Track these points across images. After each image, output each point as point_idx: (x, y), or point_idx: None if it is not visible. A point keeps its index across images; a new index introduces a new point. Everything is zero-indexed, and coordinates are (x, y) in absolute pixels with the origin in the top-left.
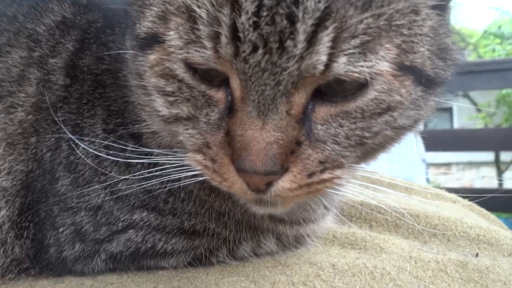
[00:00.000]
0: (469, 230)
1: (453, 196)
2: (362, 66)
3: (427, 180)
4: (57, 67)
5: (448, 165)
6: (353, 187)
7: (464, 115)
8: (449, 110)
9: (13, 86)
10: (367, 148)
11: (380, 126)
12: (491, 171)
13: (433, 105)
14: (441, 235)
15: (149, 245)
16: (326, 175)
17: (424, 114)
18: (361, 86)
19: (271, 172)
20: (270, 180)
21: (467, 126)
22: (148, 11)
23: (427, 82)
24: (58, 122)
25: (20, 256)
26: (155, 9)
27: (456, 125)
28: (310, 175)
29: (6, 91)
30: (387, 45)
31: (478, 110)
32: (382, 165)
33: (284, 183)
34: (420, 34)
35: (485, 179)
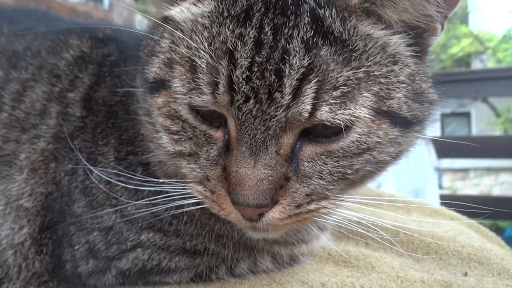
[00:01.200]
0: (461, 249)
1: (452, 213)
2: (343, 114)
3: (440, 187)
4: (75, 100)
5: (465, 170)
6: (347, 211)
7: (482, 120)
8: (467, 115)
9: (36, 120)
10: (350, 182)
11: (361, 164)
12: (511, 177)
13: (414, 140)
14: (434, 253)
15: (155, 263)
16: (312, 206)
17: (405, 149)
18: (343, 129)
19: (262, 205)
20: (261, 211)
21: (486, 132)
22: (156, 58)
23: (403, 123)
24: (75, 150)
25: (40, 270)
26: (162, 56)
27: (475, 130)
28: (298, 206)
29: (30, 124)
30: (365, 94)
31: (498, 115)
32: (388, 176)
33: (274, 214)
34: (397, 82)
35: (504, 185)
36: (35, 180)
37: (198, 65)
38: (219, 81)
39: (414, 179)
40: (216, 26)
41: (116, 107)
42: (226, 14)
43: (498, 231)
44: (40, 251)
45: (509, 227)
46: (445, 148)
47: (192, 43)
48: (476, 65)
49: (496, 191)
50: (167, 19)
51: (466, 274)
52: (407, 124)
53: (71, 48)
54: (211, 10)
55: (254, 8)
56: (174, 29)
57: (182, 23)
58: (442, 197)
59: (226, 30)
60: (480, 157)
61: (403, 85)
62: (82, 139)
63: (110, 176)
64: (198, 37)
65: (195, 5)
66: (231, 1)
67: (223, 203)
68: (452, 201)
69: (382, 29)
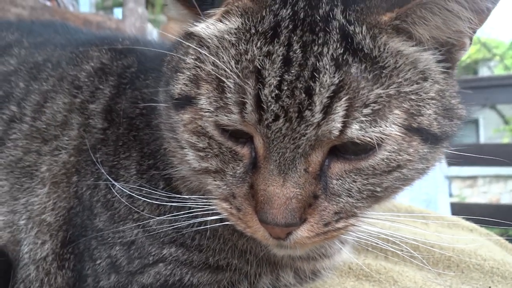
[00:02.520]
0: (483, 263)
1: (470, 224)
2: (373, 131)
3: (450, 195)
4: (96, 112)
5: (474, 178)
6: (368, 226)
7: (491, 127)
8: (475, 122)
9: (58, 131)
10: (378, 198)
11: (390, 181)
12: None
13: (441, 155)
14: (455, 267)
15: (177, 278)
16: (341, 224)
17: (432, 165)
18: (373, 146)
19: (291, 224)
20: (290, 230)
21: (494, 139)
22: (181, 74)
23: (433, 140)
24: (97, 163)
25: (62, 285)
26: (187, 73)
27: (483, 137)
28: (326, 224)
29: (52, 135)
30: (396, 111)
31: (506, 122)
32: None
33: (302, 232)
34: (427, 98)
35: None
36: (58, 194)
37: (226, 84)
38: (246, 101)
39: (426, 188)
40: (243, 43)
41: (137, 120)
42: (253, 31)
43: (510, 240)
44: (62, 266)
45: None
46: (453, 155)
47: (219, 61)
48: (483, 72)
49: (505, 199)
50: (192, 35)
51: None
52: (437, 140)
53: (91, 60)
54: (238, 27)
55: (282, 25)
56: (200, 45)
57: (208, 40)
58: (452, 205)
59: (254, 47)
60: (488, 164)
61: (433, 101)
62: (104, 152)
63: (132, 190)
64: (225, 55)
65: (221, 21)
66: (258, 18)
67: (250, 221)
68: (466, 213)
69: (413, 46)
